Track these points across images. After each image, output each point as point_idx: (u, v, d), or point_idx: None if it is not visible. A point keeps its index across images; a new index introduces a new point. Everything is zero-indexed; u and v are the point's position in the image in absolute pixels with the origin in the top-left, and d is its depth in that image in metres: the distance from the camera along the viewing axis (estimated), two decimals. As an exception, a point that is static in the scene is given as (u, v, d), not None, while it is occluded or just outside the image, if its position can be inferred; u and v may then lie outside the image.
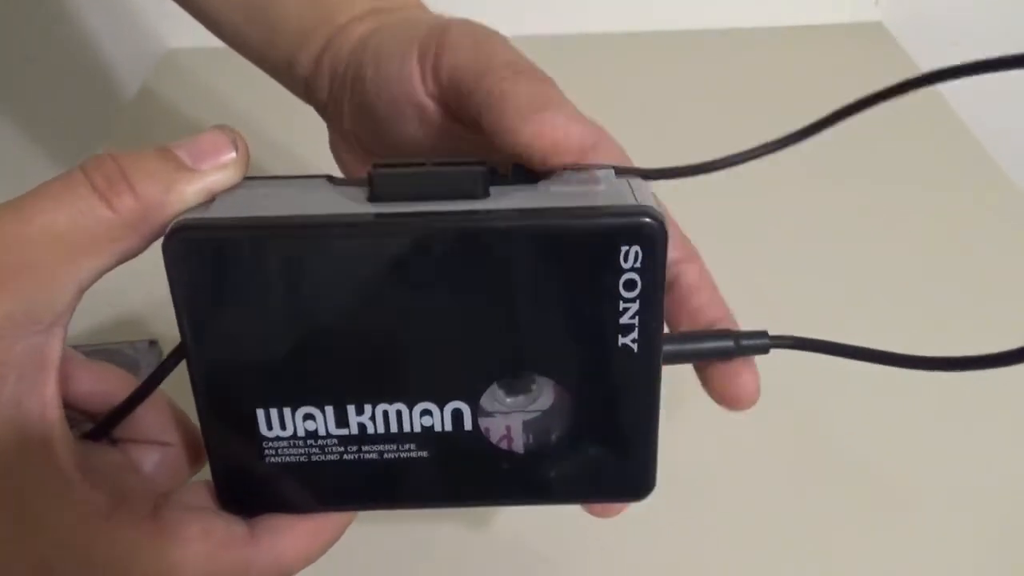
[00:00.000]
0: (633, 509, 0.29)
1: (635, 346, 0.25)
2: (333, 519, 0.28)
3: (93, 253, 0.24)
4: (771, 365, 0.28)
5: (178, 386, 0.27)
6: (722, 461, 0.45)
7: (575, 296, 0.25)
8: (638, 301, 0.25)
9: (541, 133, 0.26)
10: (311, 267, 0.24)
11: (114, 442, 0.28)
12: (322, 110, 0.35)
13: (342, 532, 0.28)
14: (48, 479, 0.24)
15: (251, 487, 0.27)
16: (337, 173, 0.32)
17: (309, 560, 0.27)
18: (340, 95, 0.33)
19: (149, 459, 0.28)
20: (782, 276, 0.55)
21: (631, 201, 0.25)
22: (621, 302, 0.25)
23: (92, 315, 0.52)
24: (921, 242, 0.58)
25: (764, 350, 0.28)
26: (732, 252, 0.58)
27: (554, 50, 0.78)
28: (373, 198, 0.25)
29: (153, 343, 0.50)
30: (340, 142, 0.35)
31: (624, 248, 0.24)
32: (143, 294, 0.56)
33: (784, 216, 0.60)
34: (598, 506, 0.29)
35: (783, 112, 0.73)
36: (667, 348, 0.26)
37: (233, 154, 0.26)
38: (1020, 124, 0.75)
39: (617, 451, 0.27)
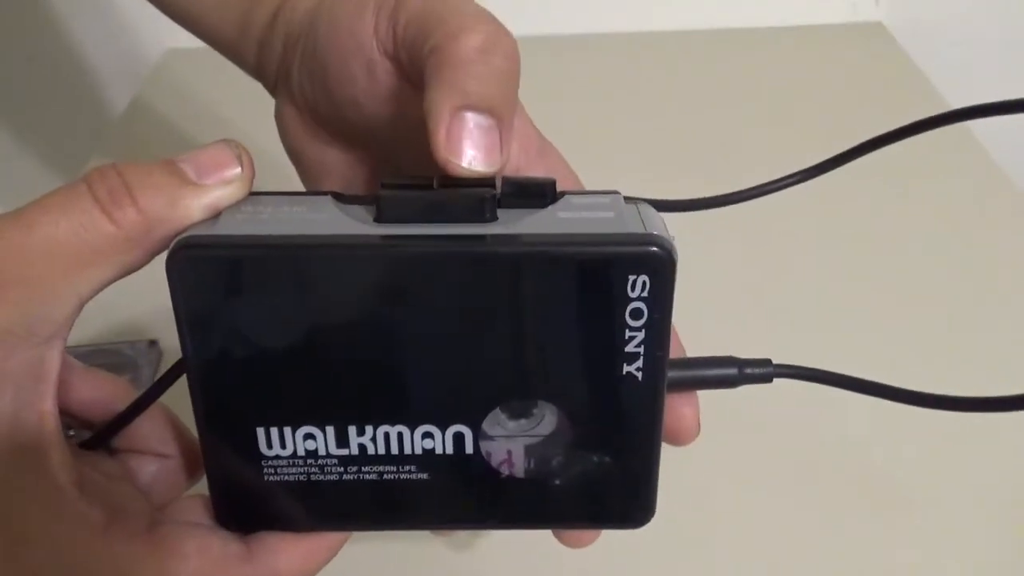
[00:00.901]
0: (628, 534, 0.28)
1: (639, 375, 0.25)
2: (329, 538, 0.27)
3: (94, 266, 0.23)
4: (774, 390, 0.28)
5: (177, 398, 0.27)
6: (719, 485, 0.45)
7: (580, 323, 0.25)
8: (644, 330, 0.25)
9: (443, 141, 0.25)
10: (315, 287, 0.24)
11: (111, 452, 0.28)
12: (272, 77, 0.34)
13: (336, 551, 0.28)
14: (43, 494, 0.23)
15: (248, 504, 0.27)
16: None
17: (306, 575, 0.27)
18: (292, 56, 0.32)
19: (146, 470, 0.28)
20: (776, 300, 0.55)
21: (640, 229, 0.24)
22: (627, 331, 0.25)
23: (91, 314, 0.51)
24: (923, 249, 0.58)
25: (768, 379, 0.27)
26: (734, 278, 0.58)
27: (554, 50, 0.78)
28: (380, 219, 0.25)
29: (153, 343, 0.50)
30: (287, 109, 0.33)
31: (632, 277, 0.24)
32: (143, 294, 0.56)
33: (779, 240, 0.59)
34: (571, 534, 0.29)
35: (783, 112, 0.74)
36: (669, 375, 0.26)
37: (238, 169, 0.25)
38: (1021, 124, 0.75)
39: (618, 478, 0.27)
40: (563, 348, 0.25)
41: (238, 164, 0.25)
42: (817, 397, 0.39)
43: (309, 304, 0.25)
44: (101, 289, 0.24)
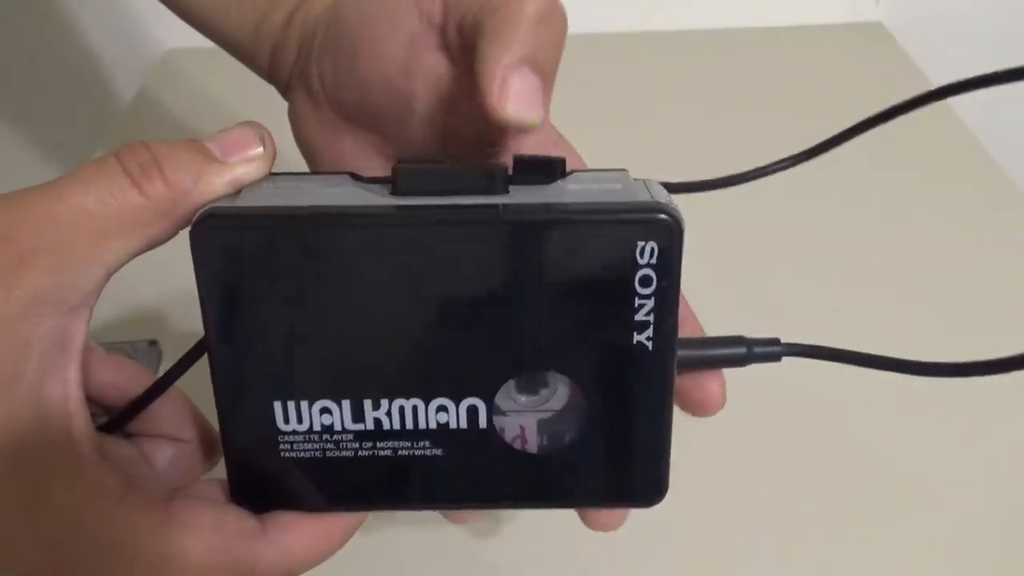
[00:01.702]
0: (639, 514, 0.29)
1: (649, 344, 0.25)
2: (343, 520, 0.28)
3: (122, 236, 0.24)
4: (783, 369, 0.28)
5: (194, 384, 0.27)
6: (729, 466, 0.44)
7: (591, 291, 0.25)
8: (653, 298, 0.25)
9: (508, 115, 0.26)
10: (333, 257, 0.25)
11: (128, 436, 0.28)
12: (284, 78, 0.34)
13: (351, 534, 0.28)
14: (64, 459, 0.24)
15: (264, 482, 0.27)
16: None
17: (317, 560, 0.27)
18: (307, 54, 0.32)
19: (163, 454, 0.28)
20: (784, 281, 0.55)
21: (647, 198, 0.25)
22: (636, 298, 0.25)
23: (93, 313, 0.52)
24: (923, 244, 0.58)
25: (776, 358, 0.28)
26: (736, 262, 0.59)
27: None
28: (396, 192, 0.26)
29: (153, 343, 0.50)
30: (302, 105, 0.33)
31: (640, 244, 0.24)
32: (144, 294, 0.55)
33: (786, 223, 0.59)
34: (598, 517, 0.29)
35: (784, 112, 0.73)
36: (680, 354, 0.26)
37: (260, 149, 0.26)
38: (1021, 124, 0.75)
39: (630, 454, 0.27)
40: (574, 317, 0.25)
41: (260, 144, 0.26)
42: (825, 378, 0.39)
43: (327, 274, 0.25)
44: (127, 260, 0.25)
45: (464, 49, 0.28)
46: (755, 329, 0.29)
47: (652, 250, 0.24)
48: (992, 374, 0.25)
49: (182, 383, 0.28)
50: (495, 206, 0.25)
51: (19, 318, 0.23)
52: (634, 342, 0.25)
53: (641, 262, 0.25)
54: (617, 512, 0.29)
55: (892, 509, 0.43)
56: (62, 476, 0.24)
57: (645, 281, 0.25)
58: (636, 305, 0.25)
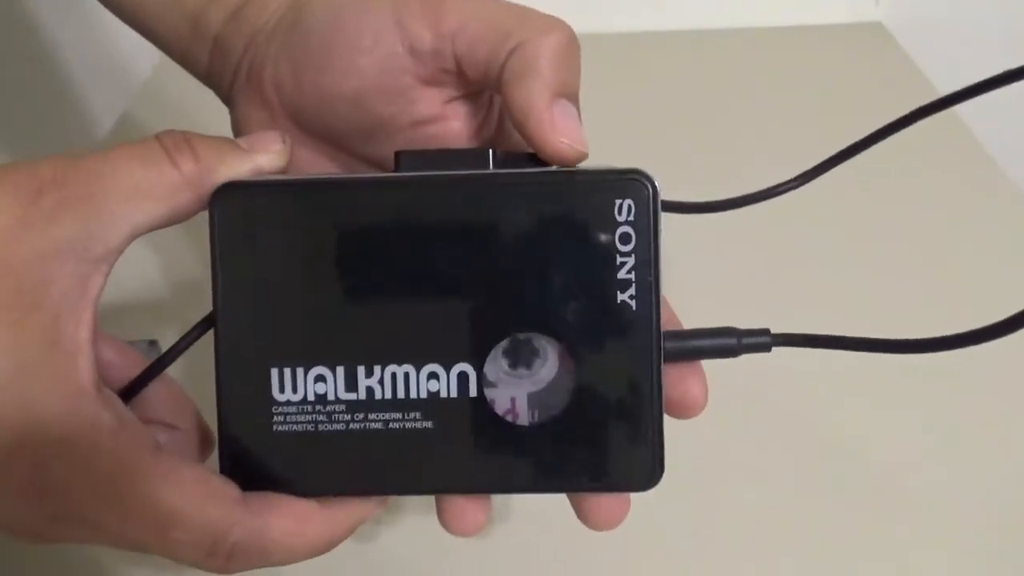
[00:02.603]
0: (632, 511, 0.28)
1: (633, 303, 0.26)
2: (327, 513, 0.27)
3: (151, 200, 0.26)
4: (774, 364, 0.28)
5: (189, 376, 0.27)
6: (720, 462, 0.44)
7: (575, 251, 0.26)
8: (634, 256, 0.26)
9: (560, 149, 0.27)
10: (338, 221, 0.27)
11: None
12: (227, 78, 0.33)
13: (338, 532, 0.27)
14: (64, 386, 0.25)
15: (255, 458, 0.27)
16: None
17: (295, 548, 0.27)
18: (261, 54, 0.31)
19: (159, 439, 0.27)
20: (781, 281, 0.54)
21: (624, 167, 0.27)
22: (618, 256, 0.26)
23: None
24: (920, 244, 0.57)
25: (767, 348, 0.28)
26: (725, 265, 0.58)
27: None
28: (397, 169, 0.28)
29: (153, 343, 0.50)
30: (251, 110, 0.32)
31: (618, 202, 0.26)
32: (143, 295, 0.55)
33: (784, 219, 0.59)
34: (597, 513, 0.28)
35: (784, 112, 0.73)
36: (667, 345, 0.27)
37: (281, 144, 0.29)
38: (1020, 123, 0.75)
39: (622, 427, 0.27)
40: (560, 278, 0.26)
41: (281, 142, 0.29)
42: (817, 371, 0.39)
43: (330, 239, 0.27)
44: (151, 226, 0.26)
45: (459, 79, 0.30)
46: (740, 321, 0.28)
47: (630, 207, 0.26)
48: (983, 342, 0.25)
49: (182, 380, 0.28)
50: (486, 173, 0.27)
51: (49, 255, 0.25)
52: (618, 301, 0.26)
53: (620, 219, 0.26)
54: (616, 507, 0.28)
55: (887, 503, 0.42)
56: (60, 401, 0.25)
57: (625, 238, 0.26)
58: (618, 263, 0.26)
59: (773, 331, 0.28)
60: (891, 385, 0.48)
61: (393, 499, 0.29)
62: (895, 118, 0.29)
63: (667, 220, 0.27)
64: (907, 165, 0.63)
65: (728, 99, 0.73)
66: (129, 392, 0.27)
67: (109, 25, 0.34)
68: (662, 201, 0.27)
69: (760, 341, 0.28)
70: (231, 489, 0.26)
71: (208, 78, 0.34)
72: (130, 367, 0.28)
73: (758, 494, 0.43)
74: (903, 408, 0.47)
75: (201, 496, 0.26)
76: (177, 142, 0.27)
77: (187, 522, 0.25)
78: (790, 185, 0.30)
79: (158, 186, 0.26)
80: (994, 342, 0.24)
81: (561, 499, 0.29)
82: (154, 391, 0.28)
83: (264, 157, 0.28)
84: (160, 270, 0.26)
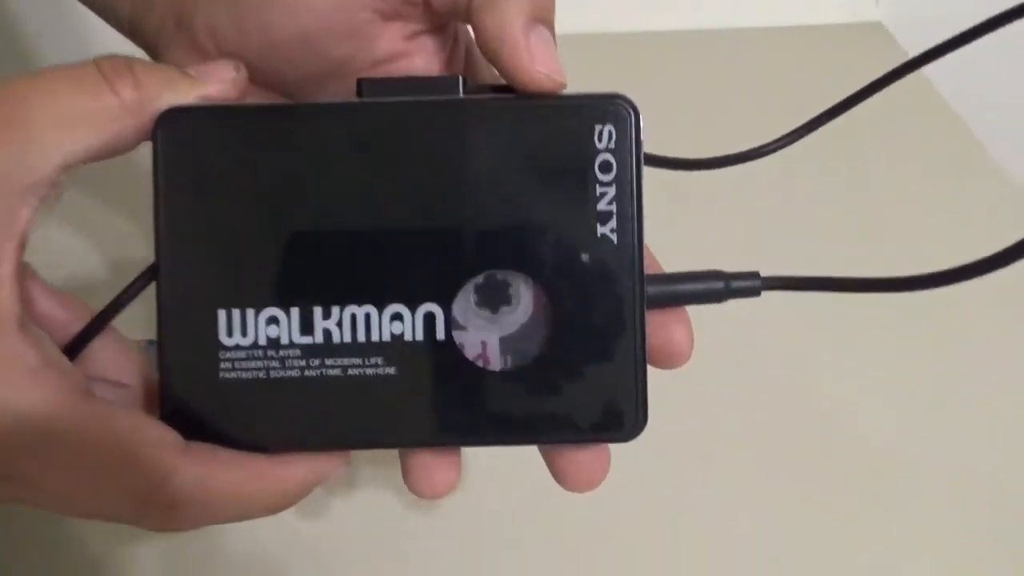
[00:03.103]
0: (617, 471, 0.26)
1: (614, 236, 0.25)
2: (281, 466, 0.25)
3: (85, 125, 0.24)
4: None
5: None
6: (704, 416, 0.44)
7: (550, 180, 0.25)
8: (614, 186, 0.25)
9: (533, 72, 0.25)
10: (293, 149, 0.25)
11: None
12: (153, 27, 0.30)
13: (287, 488, 0.25)
14: None
15: (199, 407, 0.25)
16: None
17: (244, 503, 0.24)
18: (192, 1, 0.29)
19: (108, 397, 0.25)
20: (767, 252, 0.54)
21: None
22: (597, 186, 0.25)
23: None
24: (919, 243, 0.58)
25: (756, 292, 0.26)
26: (716, 220, 0.57)
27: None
28: (360, 95, 0.26)
29: (152, 342, 0.50)
30: (182, 62, 0.29)
31: (598, 127, 0.24)
32: (143, 295, 0.57)
33: (784, 224, 0.59)
34: (576, 473, 0.26)
35: (783, 112, 0.73)
36: (650, 290, 0.25)
37: (234, 73, 0.26)
38: (1020, 123, 0.75)
39: (602, 372, 0.25)
40: (534, 210, 0.25)
41: (234, 71, 0.26)
42: (809, 318, 0.39)
43: (284, 169, 0.25)
44: (86, 157, 0.24)
45: (422, 11, 0.28)
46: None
47: (610, 133, 0.24)
48: (975, 276, 0.23)
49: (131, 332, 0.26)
50: (454, 98, 0.25)
51: None
52: (598, 235, 0.24)
53: (600, 146, 0.25)
54: (595, 465, 0.26)
55: (876, 464, 0.42)
56: None
57: (605, 167, 0.25)
58: (598, 193, 0.24)
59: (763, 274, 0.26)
60: (883, 339, 0.48)
61: (352, 462, 0.27)
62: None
63: (648, 178, 0.25)
64: (904, 160, 0.63)
65: (728, 99, 0.73)
66: (73, 349, 0.25)
67: (84, 17, 0.33)
68: (645, 155, 0.25)
69: (749, 285, 0.26)
70: (170, 435, 0.24)
71: (132, 29, 0.31)
72: (71, 319, 0.26)
73: (745, 450, 0.43)
74: (893, 364, 0.46)
75: (135, 440, 0.23)
76: (117, 66, 0.24)
77: (117, 469, 0.23)
78: (775, 145, 0.29)
79: (94, 112, 0.24)
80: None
81: (535, 458, 0.27)
82: (101, 347, 0.26)
83: (215, 87, 0.25)
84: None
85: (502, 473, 0.41)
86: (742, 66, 0.78)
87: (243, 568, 0.38)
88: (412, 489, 0.26)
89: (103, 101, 0.24)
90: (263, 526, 0.34)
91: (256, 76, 0.28)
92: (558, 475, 0.27)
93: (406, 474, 0.26)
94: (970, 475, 0.43)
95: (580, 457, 0.26)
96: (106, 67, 0.24)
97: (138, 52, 0.30)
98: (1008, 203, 0.60)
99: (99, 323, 0.25)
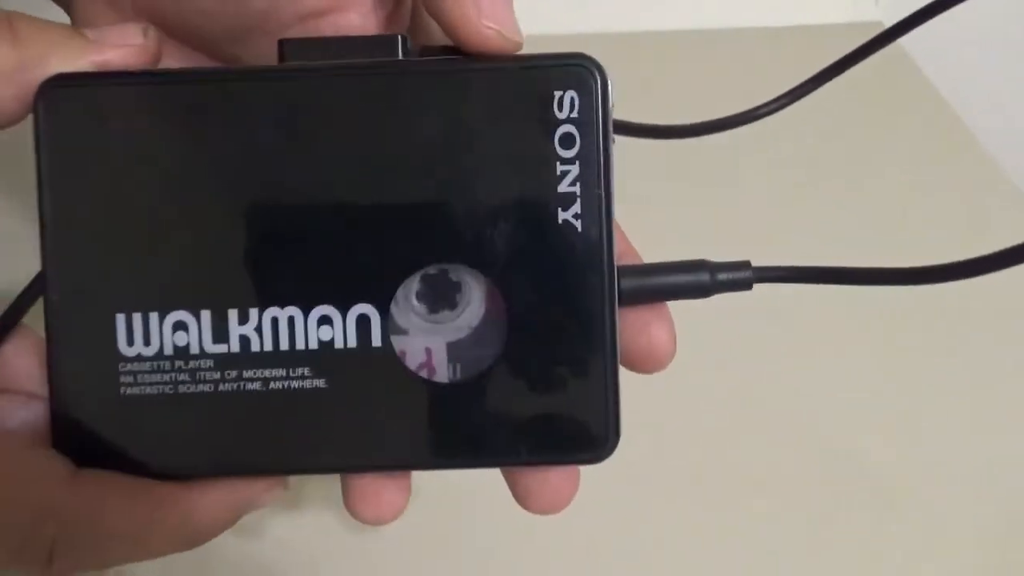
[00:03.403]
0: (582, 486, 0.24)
1: (578, 223, 0.21)
2: (191, 495, 0.22)
3: None
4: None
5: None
6: (687, 425, 0.43)
7: (503, 158, 0.21)
8: (578, 163, 0.21)
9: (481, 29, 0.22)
10: (200, 124, 0.21)
11: None
12: None
13: (200, 521, 0.22)
14: None
15: (96, 427, 0.22)
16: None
17: (144, 542, 0.21)
18: None
19: (16, 414, 0.23)
20: (744, 233, 0.54)
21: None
22: (558, 163, 0.21)
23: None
24: (918, 243, 0.58)
25: (747, 285, 0.23)
26: (689, 214, 0.57)
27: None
28: (281, 60, 0.22)
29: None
30: (101, 19, 0.26)
31: (558, 93, 0.21)
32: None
33: (782, 233, 0.59)
34: (539, 493, 0.23)
35: (783, 112, 0.73)
36: (625, 284, 0.22)
37: (141, 39, 0.23)
38: (1020, 123, 0.75)
39: (567, 384, 0.22)
40: (485, 193, 0.21)
41: (141, 36, 0.23)
42: (802, 313, 0.37)
43: (191, 148, 0.21)
44: None
45: None
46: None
47: (572, 101, 0.21)
48: (982, 273, 0.21)
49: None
50: (393, 61, 0.21)
51: None
52: (560, 221, 0.21)
53: (560, 116, 0.21)
54: (561, 485, 0.23)
55: (878, 494, 0.41)
56: None
57: (567, 141, 0.21)
58: (558, 172, 0.21)
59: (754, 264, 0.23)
60: (883, 334, 0.47)
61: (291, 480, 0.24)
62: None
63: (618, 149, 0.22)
64: (903, 160, 0.63)
65: (728, 99, 0.73)
66: None
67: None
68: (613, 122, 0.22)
69: (739, 277, 0.23)
70: (56, 465, 0.21)
71: None
72: None
73: (732, 466, 0.41)
74: (891, 366, 0.46)
75: (8, 474, 0.20)
76: None
77: None
78: (762, 111, 0.27)
79: None
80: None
81: (494, 475, 0.24)
82: (12, 357, 0.23)
83: (114, 52, 0.22)
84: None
85: (458, 491, 0.38)
86: (742, 66, 0.77)
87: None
88: (353, 513, 0.23)
89: None
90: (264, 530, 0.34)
91: (170, 30, 0.25)
92: (519, 496, 0.24)
93: (346, 496, 0.23)
94: (978, 489, 0.42)
95: (546, 478, 0.23)
96: None
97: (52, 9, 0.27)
98: (997, 193, 0.60)
99: (4, 327, 0.23)
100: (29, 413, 0.23)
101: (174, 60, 0.26)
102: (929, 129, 0.66)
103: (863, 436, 0.45)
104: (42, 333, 0.23)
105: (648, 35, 0.82)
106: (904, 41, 0.80)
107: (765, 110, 0.27)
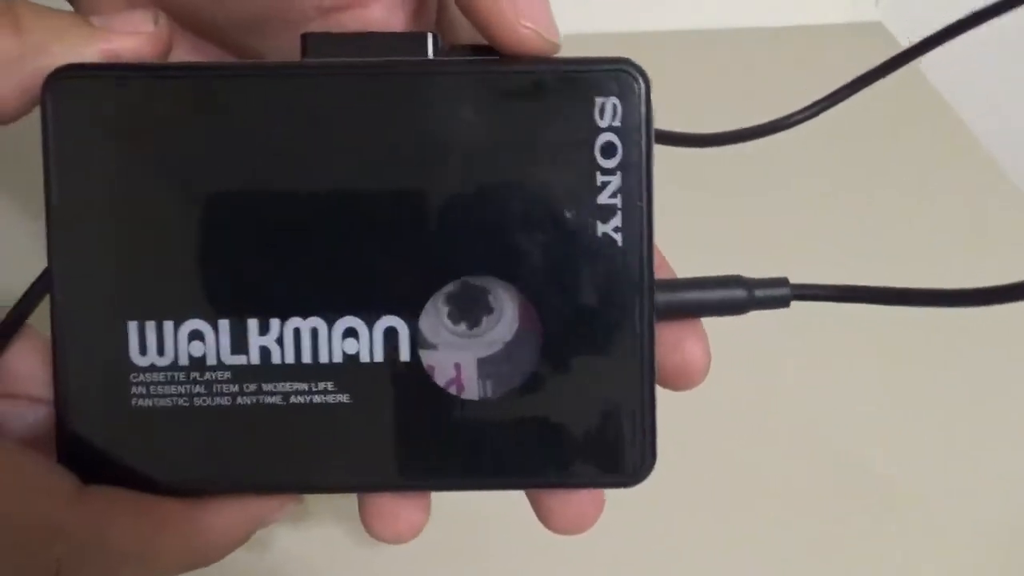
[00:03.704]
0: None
1: (618, 237, 0.21)
2: (201, 512, 0.21)
3: None
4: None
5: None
6: (720, 449, 0.42)
7: (540, 167, 0.20)
8: (619, 173, 0.20)
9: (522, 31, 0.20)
10: (221, 122, 0.20)
11: None
12: None
13: (211, 539, 0.21)
14: None
15: (106, 441, 0.21)
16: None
17: (154, 561, 0.20)
18: None
19: (23, 420, 0.22)
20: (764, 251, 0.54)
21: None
22: (598, 174, 0.20)
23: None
24: (920, 245, 0.57)
25: (785, 302, 0.22)
26: (710, 228, 0.58)
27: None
28: (305, 56, 0.21)
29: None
30: (111, 9, 0.24)
31: (599, 100, 0.20)
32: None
33: (784, 232, 0.59)
34: (563, 513, 0.22)
35: (783, 112, 0.73)
36: (660, 299, 0.21)
37: (151, 27, 0.21)
38: (1020, 123, 0.75)
39: (602, 404, 0.21)
40: (521, 203, 0.20)
41: (151, 23, 0.21)
42: (838, 330, 0.36)
43: (210, 147, 0.20)
44: None
45: None
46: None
47: (615, 108, 0.20)
48: (1015, 300, 0.20)
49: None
50: (422, 61, 0.20)
51: None
52: (599, 234, 0.20)
53: (602, 124, 0.20)
54: (587, 506, 0.22)
55: (886, 504, 0.41)
56: None
57: (608, 150, 0.20)
58: (599, 183, 0.20)
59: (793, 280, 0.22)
60: (892, 343, 0.46)
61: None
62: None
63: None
64: (904, 161, 0.63)
65: (728, 99, 0.73)
66: None
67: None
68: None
69: (777, 294, 0.22)
70: (62, 481, 0.20)
71: None
72: None
73: (740, 474, 0.41)
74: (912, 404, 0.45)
75: (14, 491, 0.19)
76: None
77: None
78: (795, 119, 0.26)
79: None
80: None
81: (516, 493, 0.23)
82: (16, 360, 0.22)
83: (123, 40, 0.21)
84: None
85: (472, 505, 0.36)
86: (742, 66, 0.77)
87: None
88: (369, 531, 0.22)
89: None
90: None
91: (183, 18, 0.24)
92: (543, 515, 0.23)
93: (363, 512, 0.22)
94: (989, 501, 0.42)
95: (571, 499, 0.22)
96: None
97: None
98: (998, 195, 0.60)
99: (4, 336, 0.22)
100: (33, 418, 0.22)
101: (184, 50, 0.25)
102: (934, 134, 0.66)
103: (873, 447, 0.44)
104: (47, 332, 0.22)
105: (648, 35, 0.81)
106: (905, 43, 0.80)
107: (792, 120, 0.28)
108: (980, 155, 0.64)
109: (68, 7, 0.25)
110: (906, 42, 0.80)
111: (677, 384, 0.22)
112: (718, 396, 0.41)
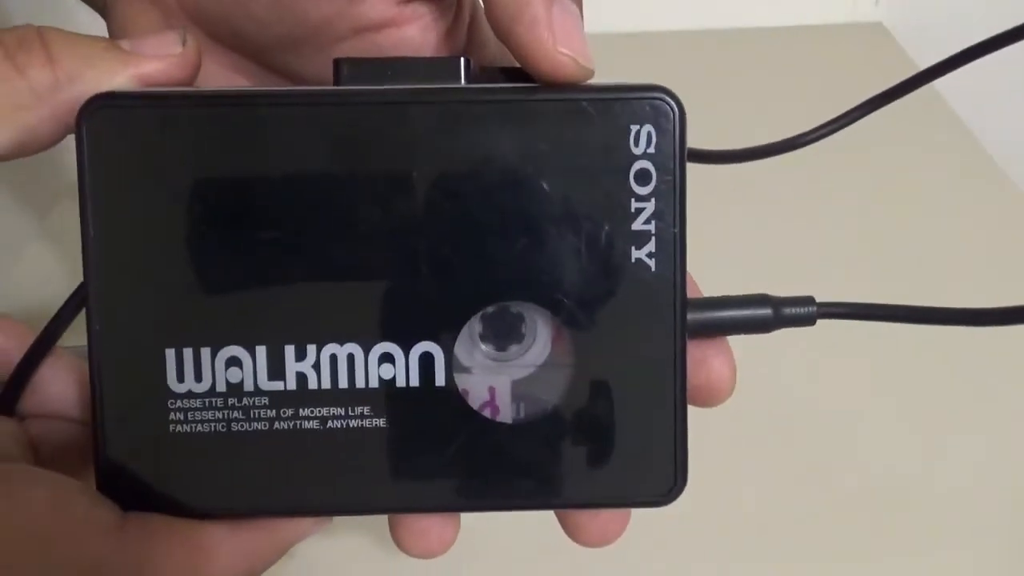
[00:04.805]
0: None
1: (652, 262, 0.21)
2: (240, 537, 0.21)
3: None
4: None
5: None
6: (742, 465, 0.41)
7: (574, 194, 0.20)
8: (654, 200, 0.20)
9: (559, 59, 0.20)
10: (257, 151, 0.20)
11: (21, 418, 0.22)
12: None
13: (249, 563, 0.21)
14: None
15: (145, 468, 0.21)
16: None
17: None
18: None
19: (55, 438, 0.22)
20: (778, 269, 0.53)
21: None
22: (633, 200, 0.20)
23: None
24: (922, 247, 0.56)
25: (811, 320, 0.22)
26: (727, 246, 0.57)
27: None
28: (338, 82, 0.21)
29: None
30: (144, 22, 0.25)
31: (634, 128, 0.20)
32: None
33: (782, 229, 0.57)
34: (589, 527, 0.22)
35: (783, 112, 0.72)
36: (689, 317, 0.21)
37: (179, 48, 0.21)
38: (1020, 124, 0.75)
39: (634, 425, 0.21)
40: (555, 229, 0.20)
41: (179, 44, 0.21)
42: (863, 347, 0.36)
43: (246, 176, 0.20)
44: None
45: None
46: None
47: (650, 136, 0.20)
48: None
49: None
50: (456, 88, 0.20)
51: None
52: (632, 260, 0.20)
53: (636, 152, 0.20)
54: (614, 520, 0.22)
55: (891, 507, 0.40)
56: None
57: (642, 177, 0.20)
58: (633, 210, 0.20)
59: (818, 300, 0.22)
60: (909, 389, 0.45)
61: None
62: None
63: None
64: (905, 163, 0.62)
65: (728, 99, 0.73)
66: (9, 392, 0.22)
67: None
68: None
69: (803, 312, 0.22)
70: (104, 513, 0.19)
71: None
72: (16, 347, 0.22)
73: (745, 480, 0.40)
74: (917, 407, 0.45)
75: (57, 523, 0.18)
76: (24, 39, 0.20)
77: (30, 562, 0.18)
78: (810, 137, 0.26)
79: None
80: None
81: None
82: (50, 380, 0.22)
83: (155, 64, 0.21)
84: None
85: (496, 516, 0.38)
86: (742, 66, 0.77)
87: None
88: (400, 546, 0.22)
89: (6, 84, 0.19)
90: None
91: (218, 35, 0.24)
92: (569, 528, 0.23)
93: (393, 529, 0.22)
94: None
95: (598, 514, 0.22)
96: (8, 40, 0.20)
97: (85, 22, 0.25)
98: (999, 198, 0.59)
99: (32, 361, 0.21)
100: (64, 437, 0.22)
101: (225, 68, 0.25)
102: (950, 150, 0.65)
103: (882, 457, 0.44)
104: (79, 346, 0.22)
105: (648, 35, 0.81)
106: (914, 53, 0.80)
107: (808, 138, 0.27)
108: (997, 173, 0.64)
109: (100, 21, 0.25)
110: (905, 42, 0.80)
111: (704, 401, 0.23)
112: (742, 410, 0.41)
